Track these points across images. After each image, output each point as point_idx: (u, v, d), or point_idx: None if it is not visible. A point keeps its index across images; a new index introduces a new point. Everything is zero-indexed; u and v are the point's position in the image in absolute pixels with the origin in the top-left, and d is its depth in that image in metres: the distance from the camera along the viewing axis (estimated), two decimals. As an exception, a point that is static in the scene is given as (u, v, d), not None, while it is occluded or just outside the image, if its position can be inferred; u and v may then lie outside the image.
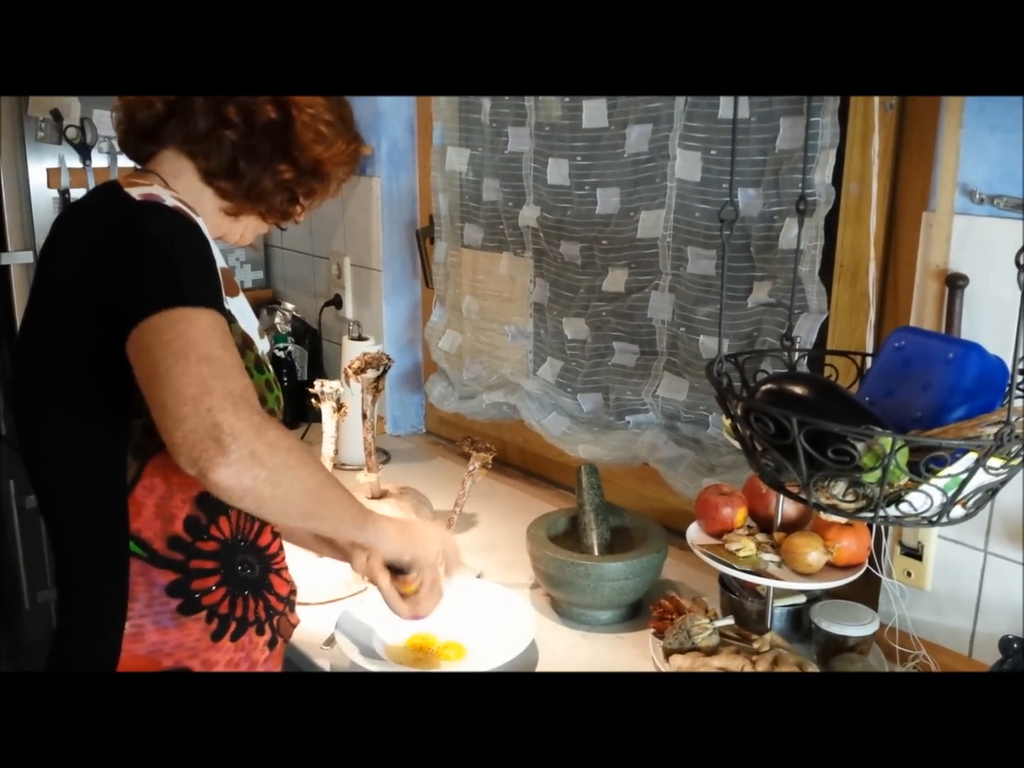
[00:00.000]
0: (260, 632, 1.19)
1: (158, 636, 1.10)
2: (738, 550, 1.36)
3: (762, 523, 1.44)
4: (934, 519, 1.03)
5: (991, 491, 1.04)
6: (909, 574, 1.39)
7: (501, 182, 2.08)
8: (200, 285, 1.01)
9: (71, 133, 2.35)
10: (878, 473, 0.98)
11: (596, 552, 1.60)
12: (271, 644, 1.21)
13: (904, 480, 1.01)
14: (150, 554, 1.09)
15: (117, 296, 1.00)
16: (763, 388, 1.11)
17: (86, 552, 1.12)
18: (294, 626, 1.29)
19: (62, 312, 1.08)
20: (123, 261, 1.01)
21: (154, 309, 0.96)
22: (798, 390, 1.08)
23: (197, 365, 0.93)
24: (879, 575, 1.40)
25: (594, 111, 1.82)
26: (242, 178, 1.19)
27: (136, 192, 1.07)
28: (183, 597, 1.11)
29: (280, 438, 0.97)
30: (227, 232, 1.27)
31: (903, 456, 1.00)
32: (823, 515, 1.30)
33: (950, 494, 1.00)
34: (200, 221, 1.09)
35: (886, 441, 0.97)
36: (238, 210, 1.23)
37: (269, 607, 1.21)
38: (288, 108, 1.18)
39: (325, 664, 1.44)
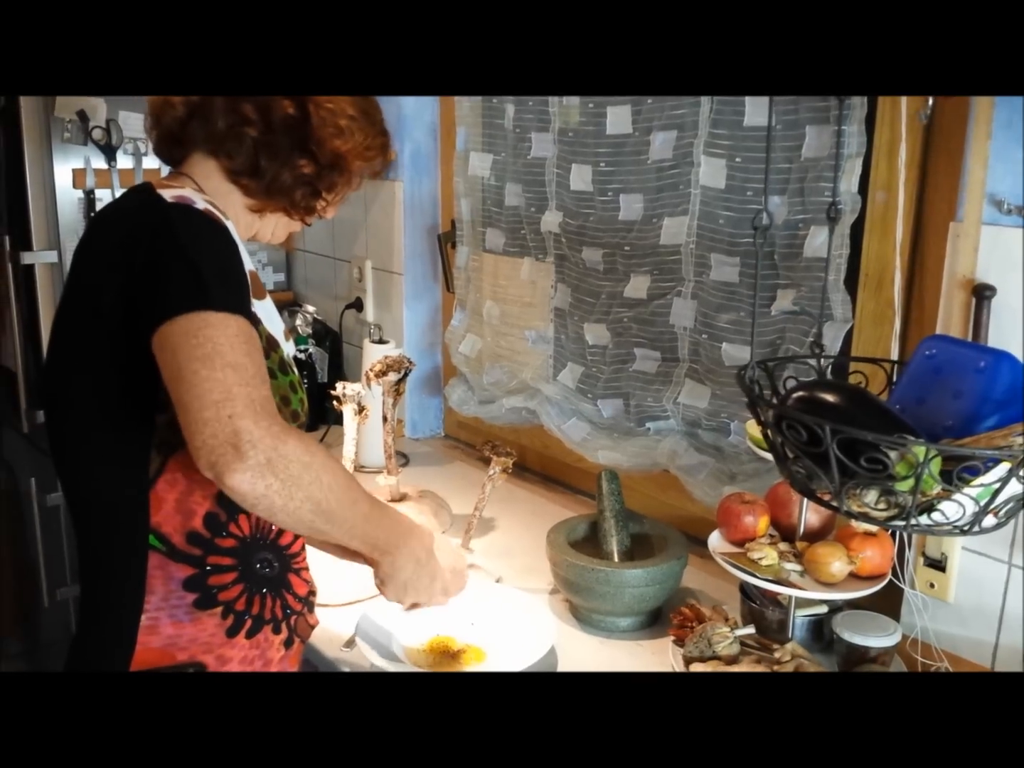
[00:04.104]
0: (276, 631, 1.20)
1: (173, 629, 1.11)
2: (760, 559, 1.35)
3: (785, 532, 1.43)
4: (966, 528, 1.02)
5: (1023, 500, 1.03)
6: (932, 585, 1.38)
7: (524, 187, 2.08)
8: (228, 290, 1.02)
9: (97, 134, 2.36)
10: (911, 482, 0.98)
11: (616, 559, 1.59)
12: (287, 643, 1.22)
13: (937, 489, 1.00)
14: (169, 548, 1.11)
15: (145, 293, 1.02)
16: (795, 395, 1.10)
17: (106, 544, 1.13)
18: (312, 627, 1.29)
19: (93, 307, 1.09)
20: (152, 260, 1.03)
21: (182, 310, 0.98)
22: (830, 398, 1.07)
23: (222, 371, 0.95)
24: (902, 586, 1.39)
25: (618, 117, 1.82)
26: (263, 174, 1.20)
27: (168, 193, 1.09)
28: (200, 592, 1.12)
29: (299, 451, 0.97)
30: (258, 231, 1.29)
31: (936, 465, 0.99)
32: (853, 523, 1.30)
33: (982, 503, 1.00)
34: (230, 224, 1.11)
35: (920, 450, 0.96)
36: (262, 207, 1.24)
37: (286, 606, 1.21)
38: (305, 104, 1.19)
39: (344, 666, 1.44)
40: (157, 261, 1.02)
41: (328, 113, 1.20)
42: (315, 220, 1.32)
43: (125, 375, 1.06)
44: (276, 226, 1.30)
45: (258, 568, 1.17)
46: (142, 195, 1.12)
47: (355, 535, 1.09)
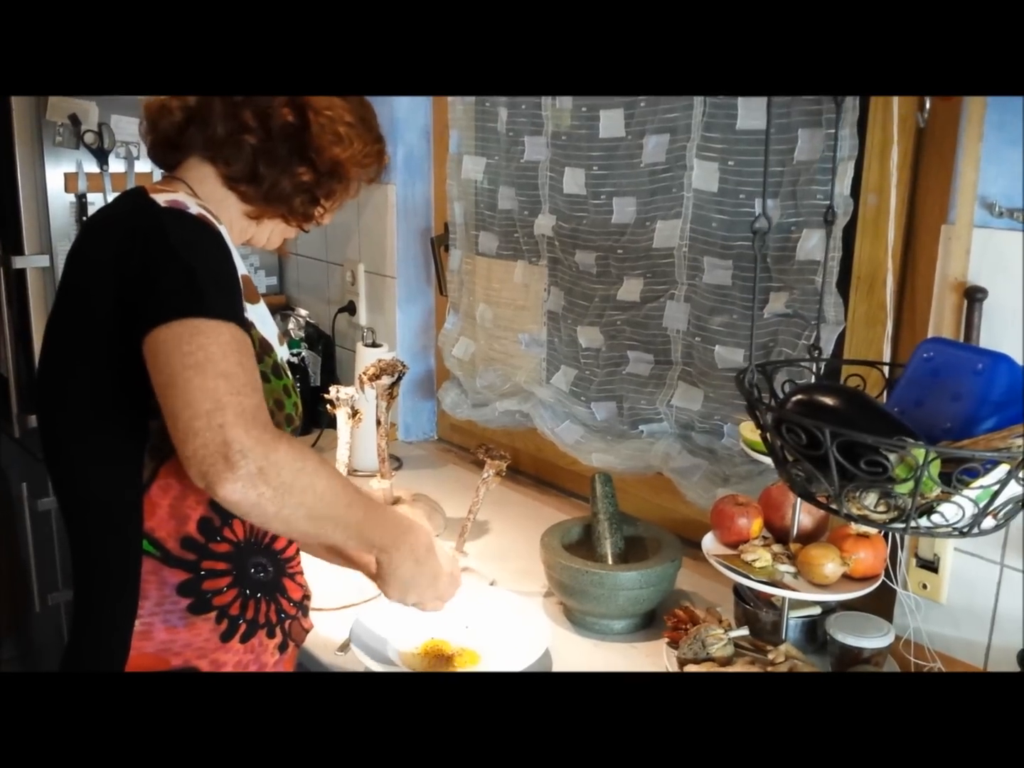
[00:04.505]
0: (271, 635, 1.20)
1: (167, 635, 1.11)
2: (754, 561, 1.35)
3: (778, 534, 1.43)
4: (965, 530, 1.02)
5: (1022, 502, 1.03)
6: (925, 586, 1.38)
7: (517, 191, 2.08)
8: (221, 297, 1.02)
9: (89, 138, 2.36)
10: (911, 484, 0.98)
11: (610, 561, 1.59)
12: (282, 648, 1.22)
13: (937, 491, 1.00)
14: (163, 553, 1.10)
15: (138, 298, 1.01)
16: (794, 399, 1.10)
17: (100, 549, 1.13)
18: (307, 631, 1.29)
19: (87, 312, 1.08)
20: (145, 264, 1.02)
21: (175, 315, 0.97)
22: (829, 400, 1.07)
23: (214, 380, 0.95)
24: (895, 587, 1.39)
25: (611, 120, 1.82)
26: (262, 181, 1.20)
27: (161, 198, 1.09)
28: (194, 597, 1.12)
29: (290, 458, 0.97)
30: (254, 237, 1.28)
31: (935, 467, 0.99)
32: (853, 526, 1.30)
33: (982, 505, 1.00)
34: (223, 229, 1.11)
35: (919, 452, 0.96)
36: (260, 213, 1.24)
37: (281, 610, 1.21)
38: (304, 111, 1.19)
39: (339, 670, 1.43)
40: (150, 265, 1.02)
41: (327, 120, 1.20)
42: (312, 227, 1.32)
43: (119, 380, 1.06)
44: (272, 232, 1.30)
45: (252, 573, 1.17)
46: (135, 199, 1.11)
47: (351, 535, 1.08)
